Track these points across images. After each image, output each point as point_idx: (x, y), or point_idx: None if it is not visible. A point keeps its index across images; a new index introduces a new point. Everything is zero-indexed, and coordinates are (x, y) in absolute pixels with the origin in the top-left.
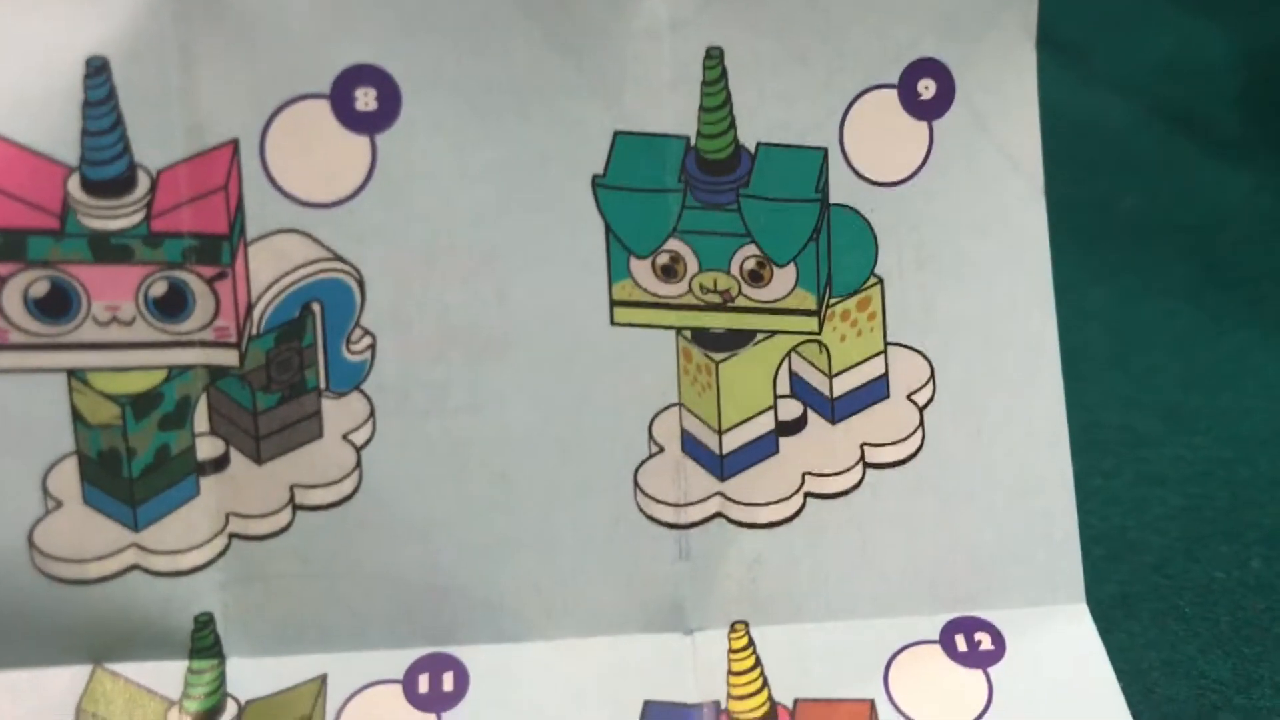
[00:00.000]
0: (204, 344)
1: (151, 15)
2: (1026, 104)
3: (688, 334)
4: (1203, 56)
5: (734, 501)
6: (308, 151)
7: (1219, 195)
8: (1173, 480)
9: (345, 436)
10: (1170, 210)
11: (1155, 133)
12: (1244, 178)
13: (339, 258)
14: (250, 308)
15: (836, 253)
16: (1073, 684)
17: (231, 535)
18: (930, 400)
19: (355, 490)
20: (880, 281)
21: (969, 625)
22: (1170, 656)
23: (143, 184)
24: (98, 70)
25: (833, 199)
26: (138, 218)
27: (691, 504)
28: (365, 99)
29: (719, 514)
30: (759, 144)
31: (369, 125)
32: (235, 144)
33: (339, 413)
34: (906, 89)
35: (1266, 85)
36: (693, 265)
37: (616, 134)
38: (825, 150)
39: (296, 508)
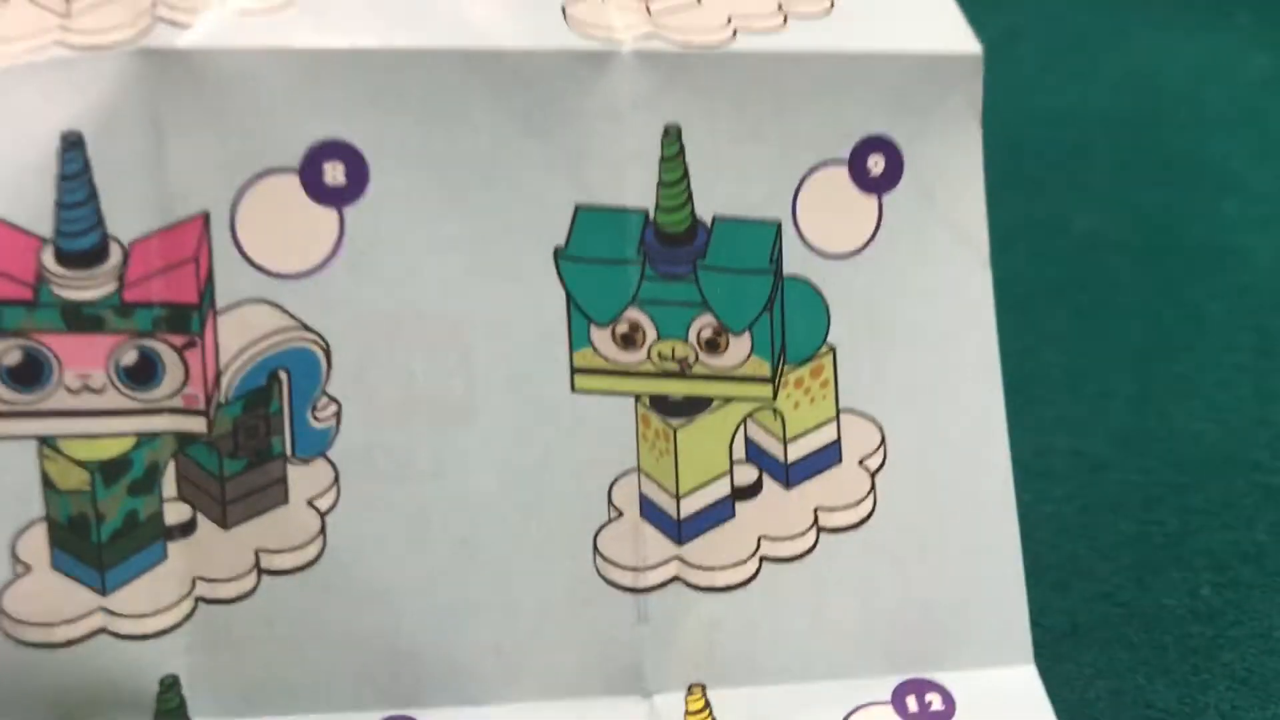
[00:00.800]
0: (173, 411)
1: (125, 90)
2: (972, 178)
3: (646, 400)
4: (1159, 75)
5: (692, 566)
6: (277, 224)
7: (1169, 215)
8: (1124, 506)
9: (310, 502)
10: (1123, 230)
11: (1108, 152)
12: (1197, 194)
13: (306, 327)
14: (219, 375)
15: (790, 322)
16: None
17: (198, 599)
18: (881, 465)
19: (320, 555)
20: (833, 350)
21: (920, 687)
22: (1118, 685)
23: (115, 255)
24: (72, 144)
25: (786, 270)
26: (110, 288)
27: (650, 568)
28: (334, 173)
29: (677, 578)
30: (715, 217)
31: (337, 199)
32: (206, 216)
33: (304, 478)
34: (857, 165)
35: (1219, 102)
36: (651, 334)
37: (578, 207)
38: (779, 223)
39: (262, 572)
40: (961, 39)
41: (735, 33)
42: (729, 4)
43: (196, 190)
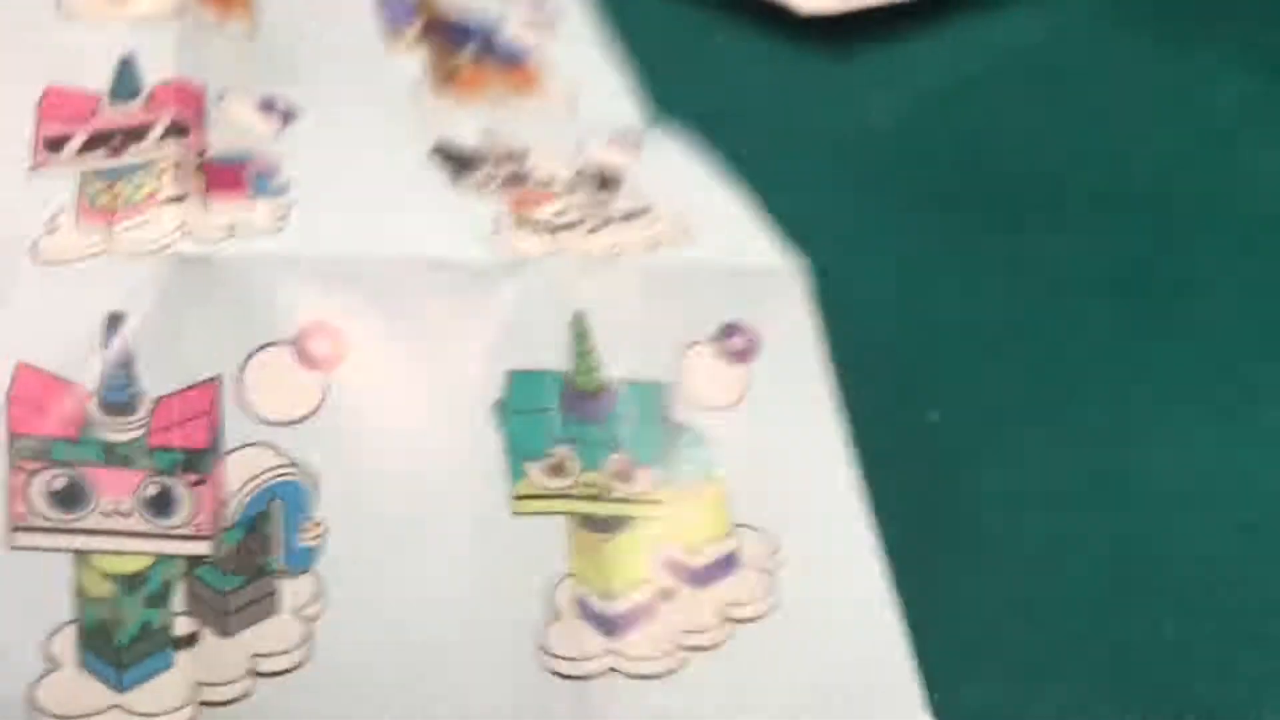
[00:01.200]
0: (185, 537)
1: (156, 283)
2: (814, 349)
3: (578, 519)
4: (1135, 107)
5: (625, 658)
6: (274, 385)
7: (1141, 250)
8: (1093, 545)
9: (298, 611)
10: (1097, 265)
11: (1084, 186)
12: (1170, 227)
13: (297, 464)
14: (224, 505)
15: (685, 457)
16: None
17: (201, 703)
18: (775, 569)
19: (306, 659)
20: (722, 479)
21: None
22: None
23: (145, 407)
24: (115, 321)
25: (678, 419)
26: (139, 433)
27: (588, 659)
28: (319, 346)
29: (613, 669)
30: (620, 379)
31: (323, 365)
32: (219, 379)
33: (293, 590)
34: (724, 342)
35: (1192, 133)
36: (576, 466)
37: (512, 372)
38: (670, 385)
39: (257, 675)
40: (788, 254)
41: (620, 254)
42: (615, 236)
43: (211, 359)
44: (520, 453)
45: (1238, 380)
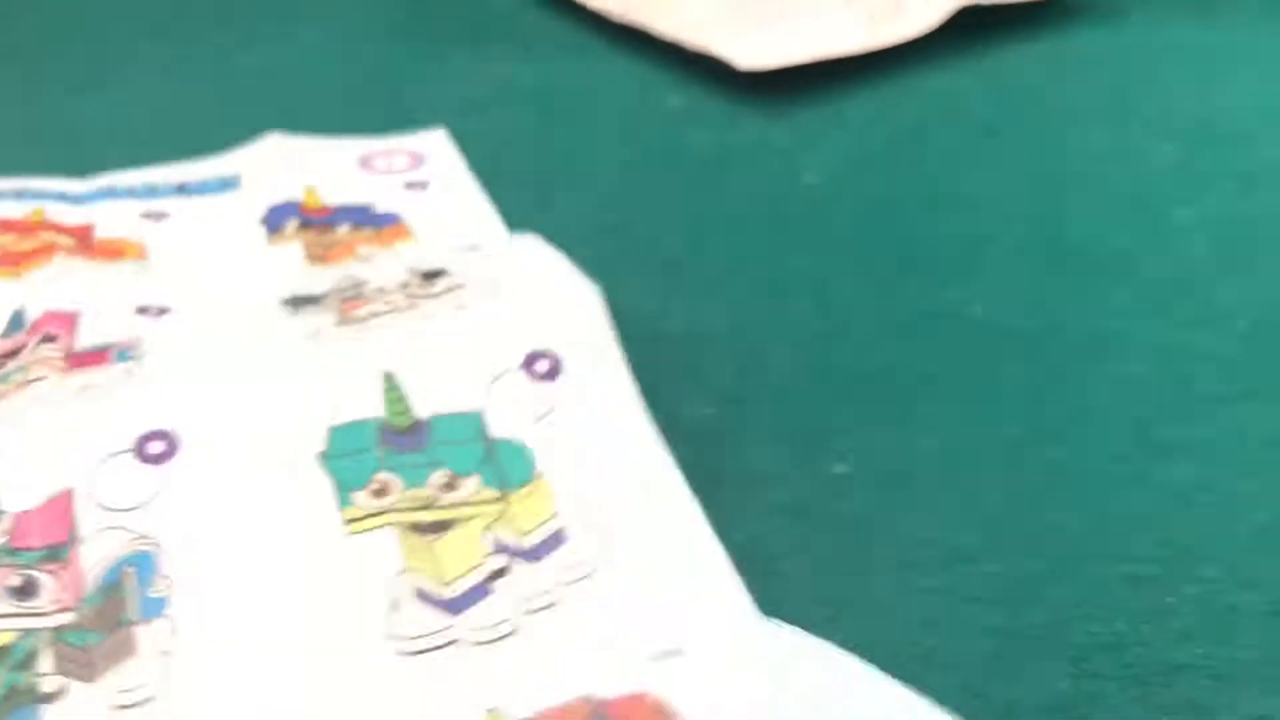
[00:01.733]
0: (48, 614)
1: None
2: (613, 357)
3: (406, 526)
4: (1062, 165)
5: (467, 628)
6: (121, 483)
7: (1061, 303)
8: (989, 598)
9: (155, 649)
10: (1014, 318)
11: (1009, 241)
12: (1091, 282)
13: (146, 537)
14: (83, 580)
15: (507, 463)
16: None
17: None
18: (601, 534)
19: (162, 693)
20: (543, 473)
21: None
22: None
23: (6, 521)
24: None
25: (495, 435)
26: (4, 540)
27: (431, 634)
28: (156, 448)
29: (454, 640)
30: (433, 415)
31: (159, 461)
32: (71, 490)
33: (149, 634)
34: (528, 367)
35: (1120, 191)
36: (398, 486)
37: (332, 427)
38: (483, 411)
39: (120, 709)
40: (583, 284)
41: (431, 316)
42: (427, 307)
43: (65, 474)
44: (346, 486)
45: (1146, 431)
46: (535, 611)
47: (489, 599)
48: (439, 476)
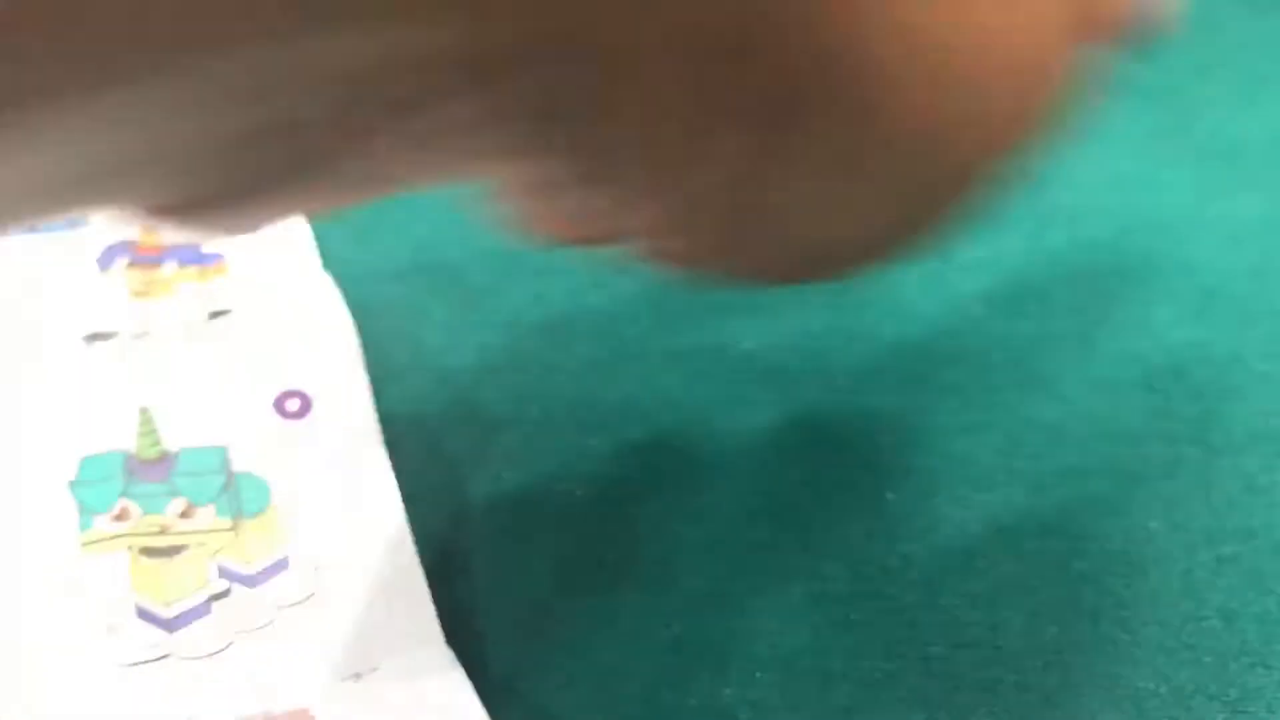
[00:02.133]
0: None
1: None
2: (361, 392)
3: (139, 550)
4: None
5: (180, 644)
6: None
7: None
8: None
9: None
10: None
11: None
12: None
13: None
14: None
15: (244, 495)
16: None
17: None
18: (320, 566)
19: None
20: (277, 506)
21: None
22: None
23: None
24: None
25: (238, 469)
26: None
27: (150, 648)
28: None
29: (169, 655)
30: (182, 448)
31: None
32: None
33: None
34: (279, 405)
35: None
36: (137, 513)
37: (83, 458)
38: (229, 446)
39: None
40: (346, 324)
41: (193, 340)
42: (191, 333)
43: None
44: (89, 510)
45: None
46: (250, 632)
47: (205, 619)
48: (176, 505)
